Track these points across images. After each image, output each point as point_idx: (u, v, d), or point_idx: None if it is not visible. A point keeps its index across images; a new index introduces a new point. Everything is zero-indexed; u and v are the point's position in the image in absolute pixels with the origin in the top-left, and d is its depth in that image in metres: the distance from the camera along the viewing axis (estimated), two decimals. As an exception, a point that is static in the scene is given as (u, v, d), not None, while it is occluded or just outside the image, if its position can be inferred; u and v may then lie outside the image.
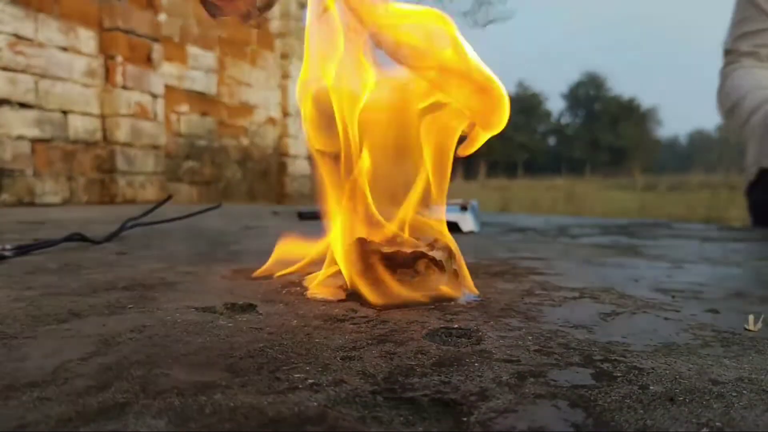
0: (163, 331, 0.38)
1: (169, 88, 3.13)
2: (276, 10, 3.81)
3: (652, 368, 0.32)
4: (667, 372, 0.31)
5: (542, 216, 2.03)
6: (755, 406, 0.26)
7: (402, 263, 0.48)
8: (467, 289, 0.51)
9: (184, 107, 3.29)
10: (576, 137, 31.54)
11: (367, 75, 0.51)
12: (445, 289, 0.48)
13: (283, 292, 0.53)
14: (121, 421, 0.24)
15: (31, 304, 0.46)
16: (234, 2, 0.47)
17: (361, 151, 0.50)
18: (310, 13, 0.51)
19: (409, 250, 0.48)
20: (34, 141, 2.47)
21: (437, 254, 0.49)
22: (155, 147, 2.99)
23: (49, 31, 2.51)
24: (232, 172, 3.62)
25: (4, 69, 2.33)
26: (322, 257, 0.56)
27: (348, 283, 0.49)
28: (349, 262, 0.49)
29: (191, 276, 0.61)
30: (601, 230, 1.31)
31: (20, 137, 2.40)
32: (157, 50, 2.99)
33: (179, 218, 1.25)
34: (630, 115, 30.49)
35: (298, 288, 0.54)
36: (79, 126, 2.66)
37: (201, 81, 3.38)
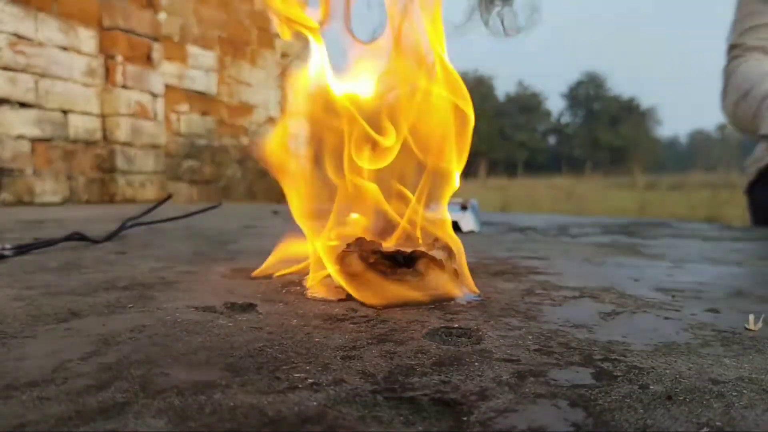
0: (162, 330, 0.38)
1: (169, 88, 3.13)
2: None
3: (652, 368, 0.32)
4: (668, 371, 0.31)
5: (542, 215, 2.02)
6: (755, 405, 0.26)
7: (402, 263, 0.48)
8: (467, 289, 0.51)
9: (184, 107, 3.29)
10: (576, 136, 31.53)
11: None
12: (446, 288, 0.48)
13: (283, 291, 0.53)
14: (121, 420, 0.24)
15: (30, 304, 0.46)
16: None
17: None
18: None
19: (409, 250, 0.48)
20: (34, 140, 2.47)
21: (437, 253, 0.49)
22: (155, 146, 2.99)
23: (49, 30, 2.50)
24: (232, 172, 3.62)
25: (4, 68, 2.32)
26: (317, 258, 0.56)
27: (342, 285, 0.49)
28: (344, 264, 0.49)
29: (191, 275, 0.61)
30: (602, 229, 1.31)
31: (20, 137, 2.40)
32: (157, 49, 2.99)
33: (179, 218, 1.25)
34: (630, 115, 30.49)
35: (298, 287, 0.54)
36: (79, 125, 2.66)
37: (201, 80, 3.38)
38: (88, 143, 2.71)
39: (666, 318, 0.44)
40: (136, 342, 0.36)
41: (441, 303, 0.47)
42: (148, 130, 2.94)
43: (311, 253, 0.54)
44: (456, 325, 0.40)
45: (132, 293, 0.51)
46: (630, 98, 31.83)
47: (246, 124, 3.79)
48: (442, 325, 0.41)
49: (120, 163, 2.78)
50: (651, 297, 0.52)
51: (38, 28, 2.46)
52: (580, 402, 0.26)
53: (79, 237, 0.88)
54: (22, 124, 2.41)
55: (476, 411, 0.25)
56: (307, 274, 0.57)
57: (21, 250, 0.76)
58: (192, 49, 3.31)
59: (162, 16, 3.08)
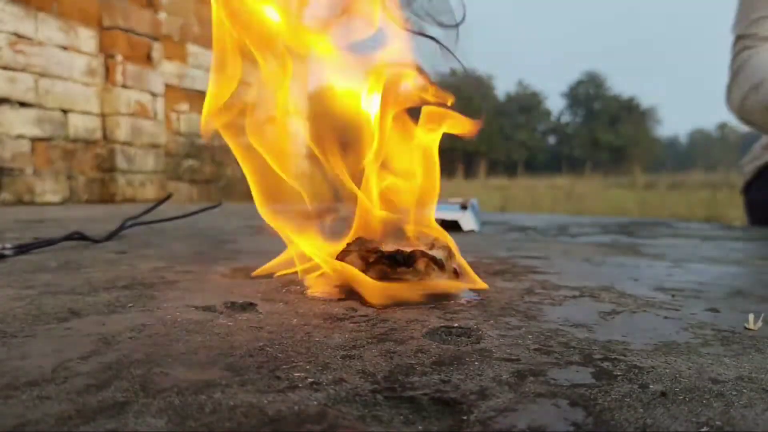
0: (162, 330, 0.38)
1: (169, 87, 3.13)
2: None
3: (652, 367, 0.32)
4: (667, 371, 0.31)
5: (542, 215, 2.03)
6: (755, 405, 0.26)
7: (402, 262, 0.48)
8: (475, 284, 0.51)
9: (184, 106, 3.29)
10: (576, 136, 31.54)
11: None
12: (445, 287, 0.49)
13: (283, 291, 0.53)
14: (121, 419, 0.24)
15: (30, 303, 0.46)
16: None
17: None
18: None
19: (408, 249, 0.48)
20: (34, 140, 2.47)
21: (437, 253, 0.49)
22: (155, 146, 2.99)
23: (49, 30, 2.51)
24: (233, 171, 3.62)
25: (4, 68, 2.32)
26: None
27: (342, 281, 0.49)
28: (346, 263, 0.49)
29: (191, 275, 0.61)
30: (601, 229, 1.31)
31: (20, 136, 2.40)
32: (157, 49, 2.99)
33: (179, 217, 1.25)
34: (629, 114, 30.49)
35: (298, 287, 0.54)
36: (79, 125, 2.66)
37: (201, 80, 3.38)
38: (88, 143, 2.71)
39: (666, 317, 0.44)
40: (136, 341, 0.36)
41: (441, 302, 0.47)
42: (148, 129, 2.94)
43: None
44: (456, 325, 0.41)
45: (132, 293, 0.51)
46: (630, 98, 31.85)
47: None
48: (442, 324, 0.41)
49: (120, 162, 2.79)
50: (651, 296, 0.52)
51: (38, 27, 2.46)
52: (580, 401, 0.26)
53: (79, 236, 0.88)
54: (22, 123, 2.41)
55: (476, 410, 0.25)
56: (307, 273, 0.57)
57: (21, 249, 0.76)
58: (192, 48, 3.31)
59: (162, 15, 3.08)
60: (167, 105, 3.14)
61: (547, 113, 33.35)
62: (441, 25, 0.50)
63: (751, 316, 0.42)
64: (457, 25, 0.49)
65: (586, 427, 0.24)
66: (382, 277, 0.48)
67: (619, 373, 0.30)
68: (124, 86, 2.78)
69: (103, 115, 2.77)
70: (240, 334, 0.38)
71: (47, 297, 0.49)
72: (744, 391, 0.28)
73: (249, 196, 0.56)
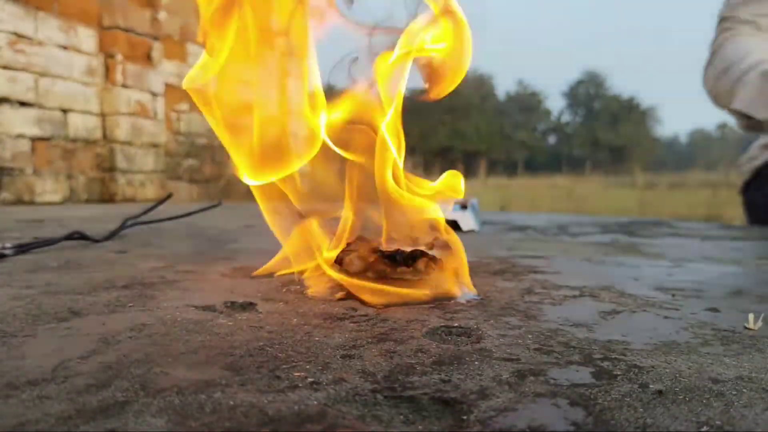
0: (162, 329, 0.38)
1: (169, 87, 3.13)
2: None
3: (652, 367, 0.32)
4: (667, 370, 0.31)
5: (542, 214, 2.02)
6: (755, 404, 0.26)
7: (402, 262, 0.48)
8: (464, 287, 0.51)
9: (184, 105, 3.29)
10: (576, 136, 31.53)
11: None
12: (445, 287, 0.48)
13: (283, 290, 0.53)
14: (121, 419, 0.24)
15: (31, 303, 0.46)
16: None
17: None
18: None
19: (408, 249, 0.48)
20: (34, 139, 2.46)
21: (437, 253, 0.49)
22: (155, 145, 2.99)
23: (49, 29, 2.50)
24: (232, 171, 3.61)
25: (4, 67, 2.32)
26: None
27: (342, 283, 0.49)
28: (344, 264, 0.49)
29: (191, 274, 0.61)
30: (601, 229, 1.31)
31: (20, 136, 2.40)
32: (157, 48, 2.99)
33: (179, 217, 1.25)
34: (630, 114, 30.48)
35: (298, 286, 0.54)
36: (79, 124, 2.66)
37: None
38: (88, 142, 2.71)
39: (666, 317, 0.44)
40: (136, 341, 0.36)
41: (441, 302, 0.47)
42: (148, 129, 2.94)
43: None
44: (456, 324, 0.41)
45: (132, 292, 0.51)
46: (630, 97, 31.82)
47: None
48: (442, 324, 0.41)
49: (120, 162, 2.78)
50: (651, 296, 0.52)
51: (38, 27, 2.46)
52: (580, 401, 0.26)
53: (79, 236, 0.88)
54: (21, 123, 2.40)
55: (476, 410, 0.25)
56: (307, 273, 0.57)
57: (21, 249, 0.76)
58: (192, 48, 3.31)
59: (162, 14, 3.07)
60: (167, 105, 3.14)
61: (547, 113, 33.35)
62: None
63: (751, 316, 0.42)
64: None
65: (585, 426, 0.24)
66: (382, 277, 0.48)
67: (619, 373, 0.30)
68: (124, 86, 2.78)
69: (103, 115, 2.77)
70: (240, 333, 0.38)
71: (47, 297, 0.49)
72: (744, 390, 0.28)
73: (249, 196, 0.56)
